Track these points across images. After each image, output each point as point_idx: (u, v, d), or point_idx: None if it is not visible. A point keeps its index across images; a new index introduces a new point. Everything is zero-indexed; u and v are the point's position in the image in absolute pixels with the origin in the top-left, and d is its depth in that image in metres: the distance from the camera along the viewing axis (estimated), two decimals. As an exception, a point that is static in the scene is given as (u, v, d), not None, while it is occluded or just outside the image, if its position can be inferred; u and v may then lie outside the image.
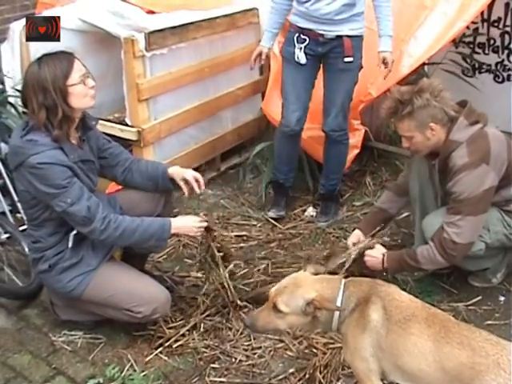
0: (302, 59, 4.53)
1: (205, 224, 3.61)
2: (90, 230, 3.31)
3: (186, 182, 3.78)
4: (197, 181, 3.78)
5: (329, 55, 4.52)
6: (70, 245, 3.44)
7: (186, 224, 3.59)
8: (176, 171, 3.80)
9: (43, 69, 3.27)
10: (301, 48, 4.52)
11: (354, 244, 3.92)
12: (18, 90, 4.88)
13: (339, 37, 4.42)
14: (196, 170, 5.18)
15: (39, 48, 4.94)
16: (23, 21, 5.06)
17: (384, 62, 4.48)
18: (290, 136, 4.79)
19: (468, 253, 3.63)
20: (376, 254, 3.75)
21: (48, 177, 3.21)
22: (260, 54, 4.73)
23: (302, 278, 2.89)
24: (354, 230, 4.15)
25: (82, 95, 3.34)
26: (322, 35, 4.45)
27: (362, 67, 4.64)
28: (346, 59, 4.46)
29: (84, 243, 3.49)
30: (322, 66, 4.68)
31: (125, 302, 3.45)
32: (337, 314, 2.80)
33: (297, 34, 4.53)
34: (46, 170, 3.20)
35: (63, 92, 3.28)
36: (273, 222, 4.92)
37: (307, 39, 4.49)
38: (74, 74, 3.31)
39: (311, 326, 2.89)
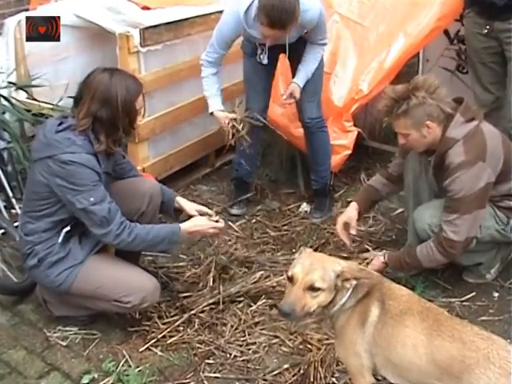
0: (264, 60, 4.56)
1: (220, 225, 3.72)
2: (105, 232, 3.33)
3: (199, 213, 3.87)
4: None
5: (290, 48, 4.50)
6: (60, 240, 3.46)
7: (198, 225, 3.65)
8: (187, 204, 3.92)
9: (116, 82, 3.27)
10: (263, 49, 4.53)
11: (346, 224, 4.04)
12: (10, 83, 4.87)
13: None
14: (190, 166, 5.24)
15: (33, 44, 4.98)
16: (18, 16, 5.08)
17: (291, 94, 4.57)
18: (253, 127, 4.81)
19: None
20: (376, 261, 3.82)
21: (76, 175, 3.23)
22: (230, 119, 4.56)
23: (317, 255, 2.90)
24: (350, 201, 4.21)
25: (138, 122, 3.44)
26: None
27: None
28: None
29: (72, 238, 3.51)
30: (286, 57, 4.71)
31: (113, 293, 3.46)
32: (346, 296, 2.77)
33: None
34: (76, 168, 3.22)
35: (132, 114, 3.33)
36: (267, 218, 4.94)
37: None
38: (140, 99, 3.38)
39: (325, 308, 2.81)
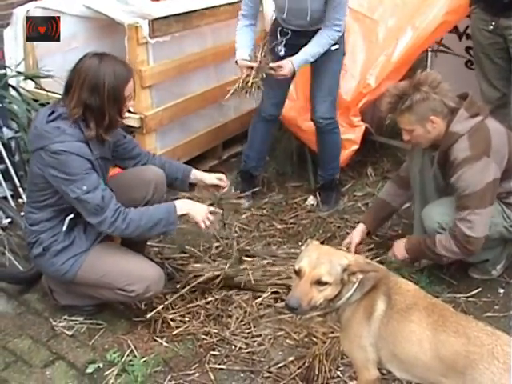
0: (281, 51, 4.56)
1: (212, 218, 3.64)
2: (100, 220, 3.32)
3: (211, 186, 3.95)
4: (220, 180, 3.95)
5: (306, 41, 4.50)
6: (64, 228, 3.46)
7: (194, 207, 3.59)
8: (205, 175, 3.96)
9: (104, 68, 3.24)
10: (282, 41, 4.55)
11: (358, 245, 4.04)
12: (19, 72, 4.88)
13: (316, 30, 4.43)
14: (197, 157, 5.25)
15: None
16: (27, 6, 5.08)
17: (279, 66, 4.42)
18: (267, 121, 4.88)
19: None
20: (399, 242, 3.85)
21: (68, 164, 3.21)
22: (247, 67, 4.48)
23: (324, 248, 2.89)
24: (358, 223, 4.19)
25: (127, 109, 3.42)
26: (303, 30, 4.48)
27: (344, 54, 4.68)
28: (333, 47, 4.46)
29: (76, 227, 3.51)
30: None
31: (117, 282, 3.46)
32: (352, 290, 2.78)
33: (280, 28, 4.56)
34: (67, 157, 3.20)
35: (119, 101, 3.30)
36: (273, 211, 4.95)
37: (289, 32, 4.51)
38: (129, 85, 3.34)
39: (330, 301, 2.80)
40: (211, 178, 3.94)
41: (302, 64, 4.44)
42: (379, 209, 4.22)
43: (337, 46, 4.49)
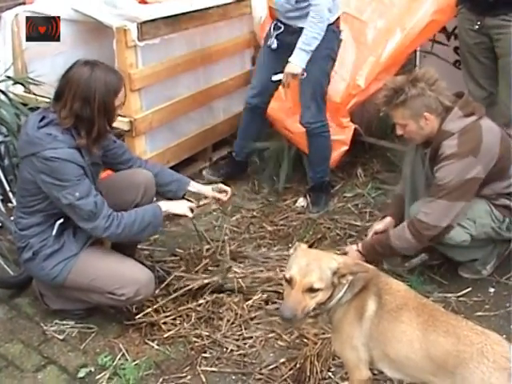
0: (273, 44, 4.70)
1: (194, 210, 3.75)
2: (93, 226, 3.34)
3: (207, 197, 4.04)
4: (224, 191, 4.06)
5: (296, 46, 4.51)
6: (54, 233, 3.46)
7: (174, 205, 3.70)
8: (203, 188, 4.07)
9: (95, 78, 3.23)
10: (273, 35, 4.69)
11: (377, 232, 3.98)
12: (8, 77, 4.86)
13: (302, 28, 4.40)
14: (187, 160, 5.24)
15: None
16: (15, 10, 5.06)
17: (287, 76, 4.47)
18: (247, 109, 5.05)
19: (451, 242, 3.71)
20: (351, 251, 3.85)
21: (60, 171, 3.22)
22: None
23: (312, 252, 2.88)
24: (383, 217, 4.13)
25: (116, 118, 3.44)
26: (291, 25, 4.55)
27: (334, 60, 4.68)
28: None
29: (66, 231, 3.51)
30: None
31: (107, 285, 3.46)
32: (343, 291, 2.77)
33: (275, 22, 4.71)
34: (59, 164, 3.20)
35: (109, 113, 3.31)
36: (264, 213, 4.95)
37: (282, 27, 4.63)
38: (120, 95, 3.34)
39: (322, 304, 2.78)
40: (208, 191, 4.03)
41: (300, 56, 4.37)
42: (398, 202, 4.14)
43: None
